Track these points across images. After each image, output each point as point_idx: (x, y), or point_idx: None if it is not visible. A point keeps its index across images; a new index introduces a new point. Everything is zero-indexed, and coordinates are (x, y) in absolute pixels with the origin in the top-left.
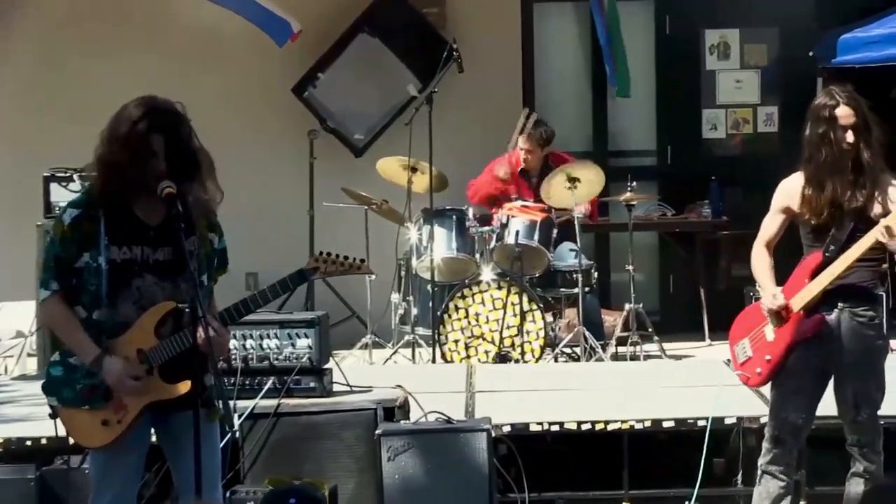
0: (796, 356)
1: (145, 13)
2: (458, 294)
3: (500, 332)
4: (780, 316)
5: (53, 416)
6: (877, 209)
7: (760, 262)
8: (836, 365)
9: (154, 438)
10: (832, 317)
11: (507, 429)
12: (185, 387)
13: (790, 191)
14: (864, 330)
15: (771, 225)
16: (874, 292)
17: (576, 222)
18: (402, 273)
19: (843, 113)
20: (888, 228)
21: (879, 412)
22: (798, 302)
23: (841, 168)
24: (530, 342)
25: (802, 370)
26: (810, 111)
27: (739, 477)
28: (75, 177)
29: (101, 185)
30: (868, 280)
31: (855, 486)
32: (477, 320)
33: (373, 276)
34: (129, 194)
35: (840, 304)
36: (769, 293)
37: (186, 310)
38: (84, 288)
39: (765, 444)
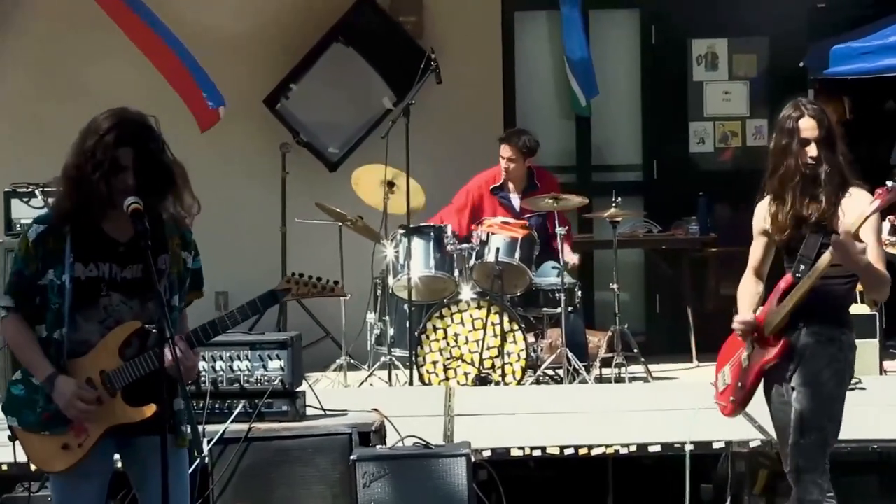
0: (770, 388)
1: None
2: (437, 314)
3: (480, 354)
4: (755, 340)
5: (12, 438)
6: (839, 224)
7: (743, 291)
8: (794, 384)
9: (120, 465)
10: (793, 337)
11: (487, 454)
12: (149, 411)
13: (762, 212)
14: (822, 350)
15: (754, 251)
16: (840, 312)
17: (559, 239)
18: (379, 292)
19: (806, 125)
20: (840, 244)
21: (829, 446)
22: (767, 326)
23: (801, 181)
24: (511, 364)
25: (782, 402)
26: (776, 122)
27: None
28: (37, 192)
29: (66, 199)
30: (833, 299)
31: None
32: (456, 341)
33: (347, 297)
34: (96, 209)
35: (801, 324)
36: (740, 314)
37: (153, 331)
38: (47, 306)
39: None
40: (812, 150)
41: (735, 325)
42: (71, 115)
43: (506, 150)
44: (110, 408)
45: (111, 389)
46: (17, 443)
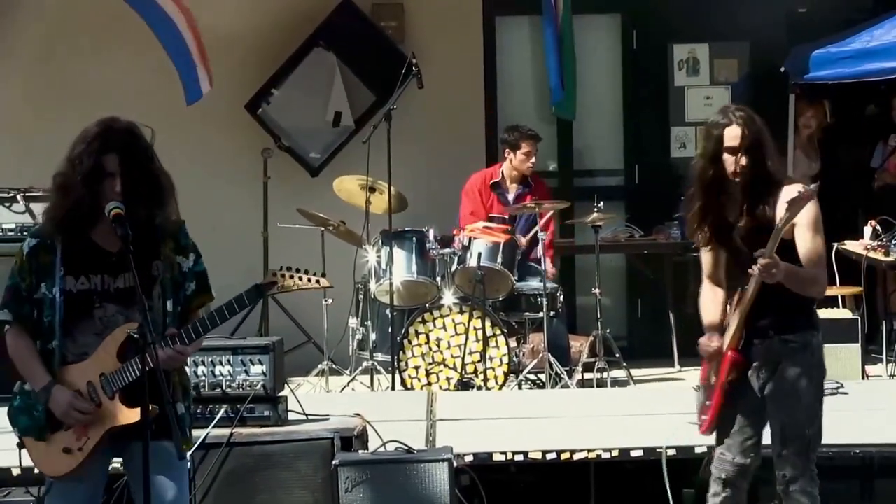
0: (726, 397)
1: (93, 22)
2: (419, 319)
3: (463, 358)
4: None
5: (20, 445)
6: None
7: (703, 300)
8: (767, 396)
9: (115, 469)
10: (762, 346)
11: (469, 458)
12: (150, 412)
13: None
14: (798, 359)
15: (704, 260)
16: (807, 314)
17: (540, 245)
18: (361, 297)
19: (732, 133)
20: (765, 266)
21: (814, 452)
22: (725, 341)
23: (727, 190)
24: (494, 368)
25: (734, 410)
26: (704, 128)
27: None
28: (19, 197)
29: (54, 208)
30: (798, 301)
31: None
32: (438, 346)
33: (330, 295)
34: (85, 218)
35: (771, 332)
36: (705, 336)
37: (136, 336)
38: (40, 319)
39: (712, 486)
40: (742, 160)
41: (702, 350)
42: (53, 121)
43: (532, 146)
44: (109, 410)
45: (109, 392)
46: (23, 450)
